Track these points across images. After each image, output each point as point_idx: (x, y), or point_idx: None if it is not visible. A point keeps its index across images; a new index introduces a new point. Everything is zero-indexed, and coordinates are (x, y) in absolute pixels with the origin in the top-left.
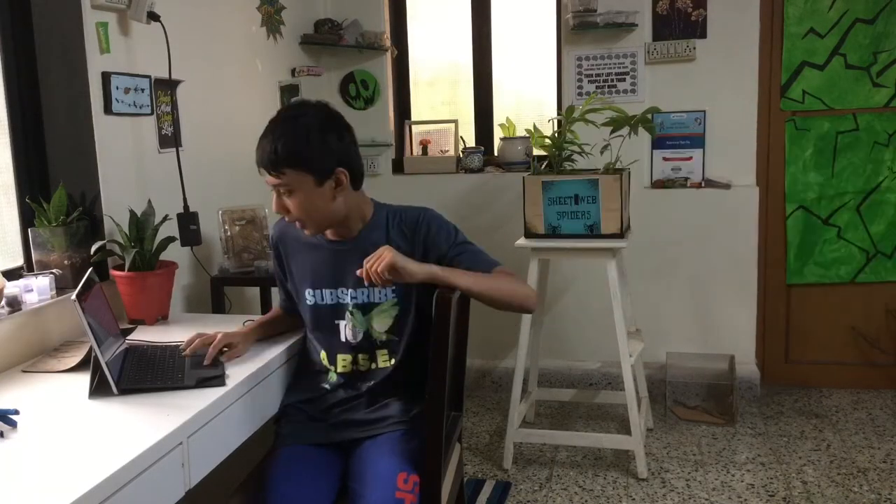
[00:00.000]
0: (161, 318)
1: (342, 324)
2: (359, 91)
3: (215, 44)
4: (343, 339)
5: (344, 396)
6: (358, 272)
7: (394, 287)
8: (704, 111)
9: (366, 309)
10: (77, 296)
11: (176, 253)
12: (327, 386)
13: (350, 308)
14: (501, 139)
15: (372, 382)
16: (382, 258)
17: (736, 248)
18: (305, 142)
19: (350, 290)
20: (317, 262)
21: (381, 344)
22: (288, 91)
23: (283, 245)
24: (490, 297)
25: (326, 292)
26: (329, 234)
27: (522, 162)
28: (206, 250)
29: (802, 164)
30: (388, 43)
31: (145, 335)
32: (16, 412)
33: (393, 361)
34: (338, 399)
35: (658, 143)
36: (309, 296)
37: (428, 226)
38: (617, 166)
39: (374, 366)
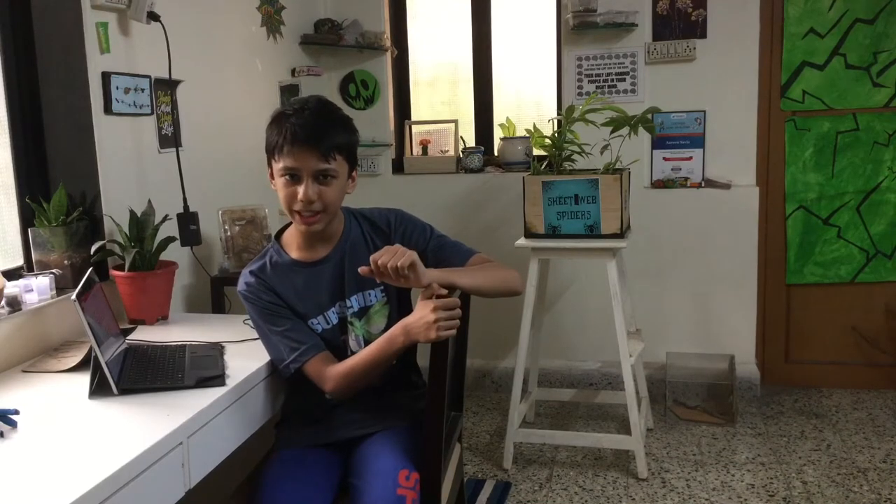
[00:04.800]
0: (161, 318)
1: (349, 338)
2: (359, 91)
3: (215, 44)
4: (349, 352)
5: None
6: (362, 270)
7: (382, 287)
8: (704, 111)
9: (361, 314)
10: (77, 296)
11: (176, 253)
12: (328, 396)
13: (349, 318)
14: (501, 139)
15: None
16: (402, 254)
17: (736, 248)
18: (354, 131)
19: (349, 300)
20: (311, 287)
21: None
22: (288, 91)
23: (273, 285)
24: (485, 290)
25: (331, 313)
26: (304, 254)
27: (522, 162)
28: (206, 250)
29: (802, 164)
30: (388, 43)
31: (145, 335)
32: (16, 412)
33: (394, 360)
34: (340, 403)
35: (658, 143)
36: (316, 324)
37: (404, 225)
38: (617, 166)
39: None
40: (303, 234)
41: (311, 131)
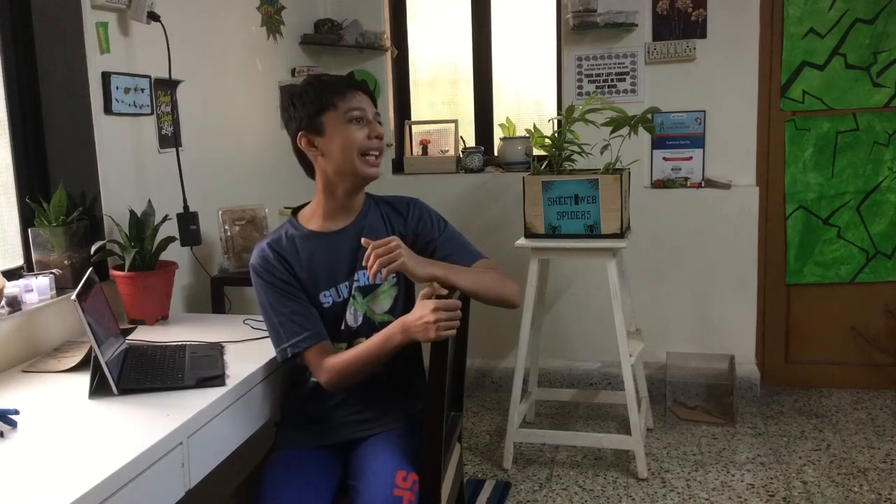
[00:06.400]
0: (161, 318)
1: (347, 311)
2: None
3: (215, 44)
4: (343, 326)
5: (344, 396)
6: (366, 256)
7: None
8: (704, 111)
9: (366, 291)
10: (77, 296)
11: (176, 253)
12: (323, 386)
13: (353, 292)
14: (501, 139)
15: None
16: (395, 256)
17: (736, 248)
18: None
19: (357, 273)
20: (326, 258)
21: (380, 325)
22: (288, 91)
23: (287, 257)
24: (482, 295)
25: (343, 286)
26: (323, 224)
27: (522, 162)
28: (206, 250)
29: (802, 164)
30: (388, 43)
31: (145, 335)
32: (16, 412)
33: (391, 357)
34: (339, 400)
35: (658, 143)
36: (327, 296)
37: (419, 213)
38: (617, 166)
39: None
40: (342, 195)
41: (358, 85)
